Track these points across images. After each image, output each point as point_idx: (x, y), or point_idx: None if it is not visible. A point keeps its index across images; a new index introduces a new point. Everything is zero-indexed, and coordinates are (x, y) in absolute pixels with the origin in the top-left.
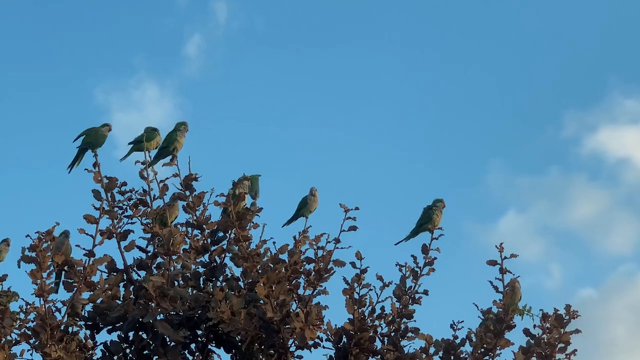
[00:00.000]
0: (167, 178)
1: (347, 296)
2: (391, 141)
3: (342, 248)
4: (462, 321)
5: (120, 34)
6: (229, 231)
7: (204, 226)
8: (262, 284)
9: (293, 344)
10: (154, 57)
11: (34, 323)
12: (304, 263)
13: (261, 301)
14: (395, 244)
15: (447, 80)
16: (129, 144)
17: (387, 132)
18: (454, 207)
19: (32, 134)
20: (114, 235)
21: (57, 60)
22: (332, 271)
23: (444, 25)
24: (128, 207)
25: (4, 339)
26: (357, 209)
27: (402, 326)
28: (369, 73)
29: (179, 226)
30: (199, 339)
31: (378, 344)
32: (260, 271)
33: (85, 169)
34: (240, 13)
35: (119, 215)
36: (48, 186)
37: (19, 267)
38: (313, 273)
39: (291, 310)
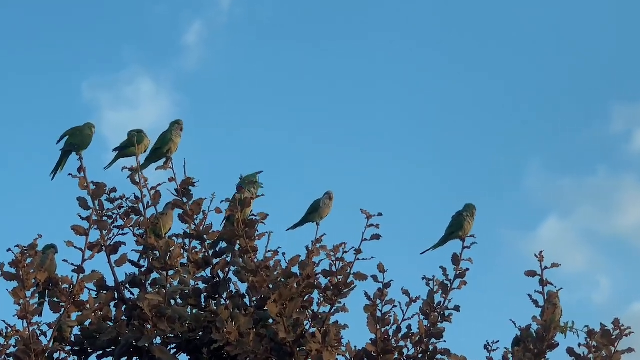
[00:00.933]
0: (160, 184)
1: (369, 314)
2: (417, 143)
3: (363, 259)
4: (498, 341)
5: (108, 21)
6: (234, 242)
7: (205, 236)
8: (273, 301)
9: None
10: (147, 49)
11: (16, 348)
12: (318, 276)
13: (271, 320)
14: (421, 254)
15: (479, 75)
16: (114, 150)
17: (413, 132)
18: (489, 213)
19: (11, 136)
20: (104, 248)
21: (37, 52)
22: (352, 285)
23: (474, 17)
24: (118, 217)
25: None
26: (380, 215)
27: (431, 347)
28: (390, 67)
29: (174, 238)
30: None
31: None
32: (271, 286)
33: (70, 174)
34: None
35: (108, 226)
36: (29, 194)
37: None
38: (331, 288)
39: (305, 330)
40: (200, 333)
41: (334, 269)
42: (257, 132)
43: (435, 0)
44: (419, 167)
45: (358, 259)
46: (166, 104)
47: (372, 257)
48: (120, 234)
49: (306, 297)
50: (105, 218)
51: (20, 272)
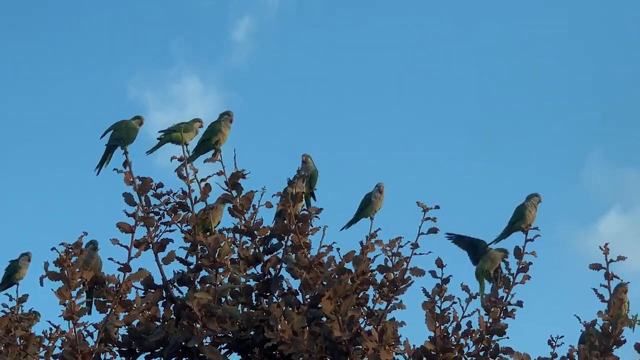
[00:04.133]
0: (210, 175)
1: (428, 310)
2: (478, 136)
3: (420, 254)
4: (562, 336)
5: (155, 17)
6: (286, 237)
7: (255, 232)
8: (327, 298)
9: None
10: (195, 44)
11: (62, 350)
12: (374, 273)
13: (324, 319)
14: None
15: (541, 65)
16: (159, 132)
17: (474, 125)
18: (548, 206)
19: (57, 135)
20: (150, 245)
21: (83, 50)
22: (409, 281)
23: (535, 8)
24: (165, 213)
25: None
26: (437, 207)
27: (492, 344)
28: (444, 61)
29: (224, 232)
30: None
31: None
32: (325, 283)
33: (115, 169)
34: None
35: (155, 222)
36: (75, 192)
37: (42, 284)
38: (387, 284)
39: (361, 328)
40: (252, 332)
41: (389, 264)
42: (309, 127)
43: None
44: (479, 160)
45: (415, 254)
46: (215, 103)
47: (430, 252)
48: (167, 231)
49: (361, 294)
50: (151, 214)
51: (66, 272)
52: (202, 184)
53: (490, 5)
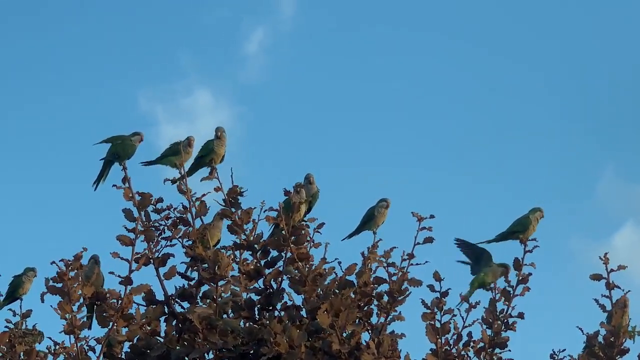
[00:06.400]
0: (205, 194)
1: (428, 322)
2: (489, 149)
3: (417, 264)
4: (564, 349)
5: (165, 28)
6: (284, 250)
7: (256, 246)
8: (324, 311)
9: None
10: (206, 57)
11: None
12: (375, 286)
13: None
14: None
15: (553, 79)
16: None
17: (486, 138)
18: (560, 221)
19: (69, 149)
20: (151, 260)
21: (92, 61)
22: (407, 292)
23: (545, 17)
24: (166, 228)
25: None
26: (432, 217)
27: (495, 358)
28: (456, 74)
29: (223, 250)
30: None
31: None
32: (321, 295)
33: (114, 185)
34: (311, 2)
35: (156, 237)
36: (73, 206)
37: (43, 301)
38: (385, 296)
39: (361, 341)
40: (255, 346)
41: (385, 276)
42: (323, 142)
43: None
44: (490, 174)
45: (411, 265)
46: (226, 117)
47: (427, 262)
48: (168, 245)
49: (365, 308)
50: (152, 229)
51: (66, 286)
52: (198, 202)
53: (504, 17)
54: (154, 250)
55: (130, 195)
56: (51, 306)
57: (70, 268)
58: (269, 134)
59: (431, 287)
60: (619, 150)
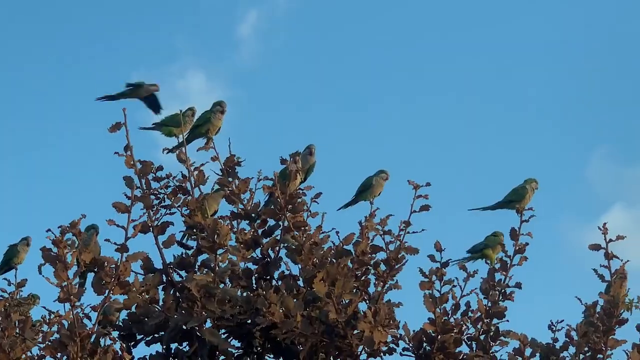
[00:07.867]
0: (204, 163)
1: (425, 291)
2: (480, 129)
3: (413, 232)
4: (562, 320)
5: (160, 11)
6: (281, 218)
7: (253, 215)
8: (320, 280)
9: (363, 351)
10: (201, 40)
11: (60, 334)
12: (373, 256)
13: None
14: (470, 210)
15: (546, 62)
16: (153, 124)
17: (478, 117)
18: (550, 202)
19: (64, 127)
20: (150, 228)
21: (87, 43)
22: (404, 260)
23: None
24: (165, 196)
25: (24, 355)
26: (428, 185)
27: (493, 327)
28: (450, 57)
29: (220, 220)
30: (254, 348)
31: (464, 348)
32: (318, 264)
33: (115, 153)
34: None
35: (155, 205)
36: (71, 178)
37: (40, 272)
38: (381, 264)
39: (358, 310)
40: (252, 315)
41: (382, 244)
42: (318, 126)
43: None
44: (481, 154)
45: (408, 232)
46: (220, 98)
47: (423, 230)
48: (167, 214)
49: (362, 277)
50: (151, 197)
51: (62, 252)
52: (196, 172)
53: (499, 5)
54: (153, 218)
55: (132, 162)
56: (43, 276)
57: (67, 233)
58: (263, 118)
59: (431, 257)
60: (609, 134)
